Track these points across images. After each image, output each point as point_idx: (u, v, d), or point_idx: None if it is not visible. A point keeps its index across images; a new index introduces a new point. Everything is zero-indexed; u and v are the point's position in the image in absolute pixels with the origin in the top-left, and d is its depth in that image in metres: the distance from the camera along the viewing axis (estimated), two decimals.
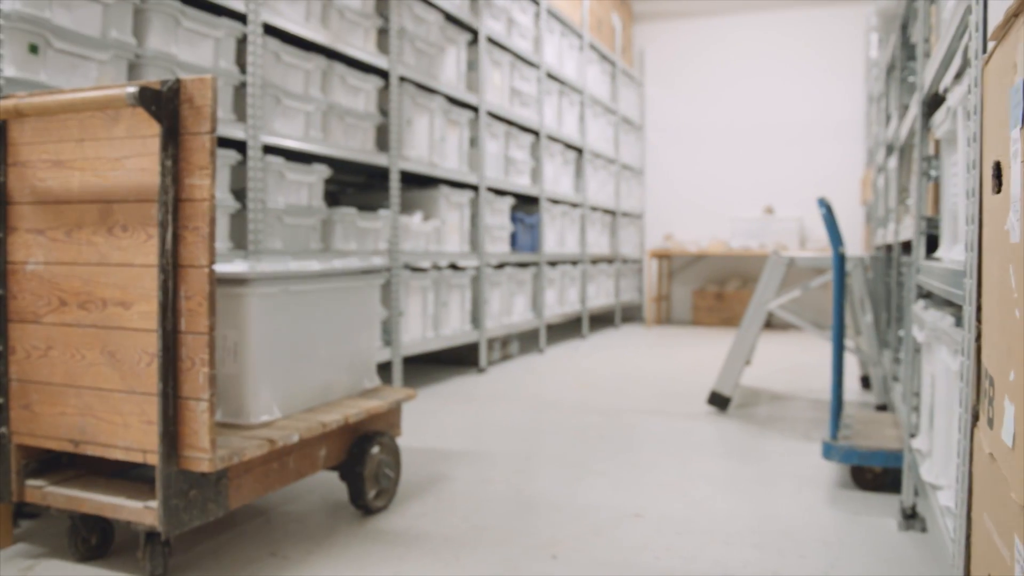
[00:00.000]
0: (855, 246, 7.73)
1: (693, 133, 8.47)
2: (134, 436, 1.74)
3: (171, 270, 1.65)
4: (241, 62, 3.05)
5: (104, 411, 1.78)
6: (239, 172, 3.06)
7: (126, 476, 2.00)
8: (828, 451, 2.54)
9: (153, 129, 1.68)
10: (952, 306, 1.99)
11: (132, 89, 1.57)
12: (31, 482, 1.89)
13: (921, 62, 2.20)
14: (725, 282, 8.17)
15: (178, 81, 1.64)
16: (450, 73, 4.58)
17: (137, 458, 1.75)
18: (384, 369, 3.97)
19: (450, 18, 4.54)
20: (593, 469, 2.77)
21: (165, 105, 1.62)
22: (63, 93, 1.70)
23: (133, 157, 1.73)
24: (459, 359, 5.08)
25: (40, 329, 1.85)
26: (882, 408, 3.58)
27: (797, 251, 7.40)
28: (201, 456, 1.67)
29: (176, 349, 1.67)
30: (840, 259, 2.63)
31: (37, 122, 1.84)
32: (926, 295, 2.23)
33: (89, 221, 1.78)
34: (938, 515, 1.51)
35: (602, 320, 8.07)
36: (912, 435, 2.18)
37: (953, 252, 1.75)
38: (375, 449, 2.27)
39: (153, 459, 1.72)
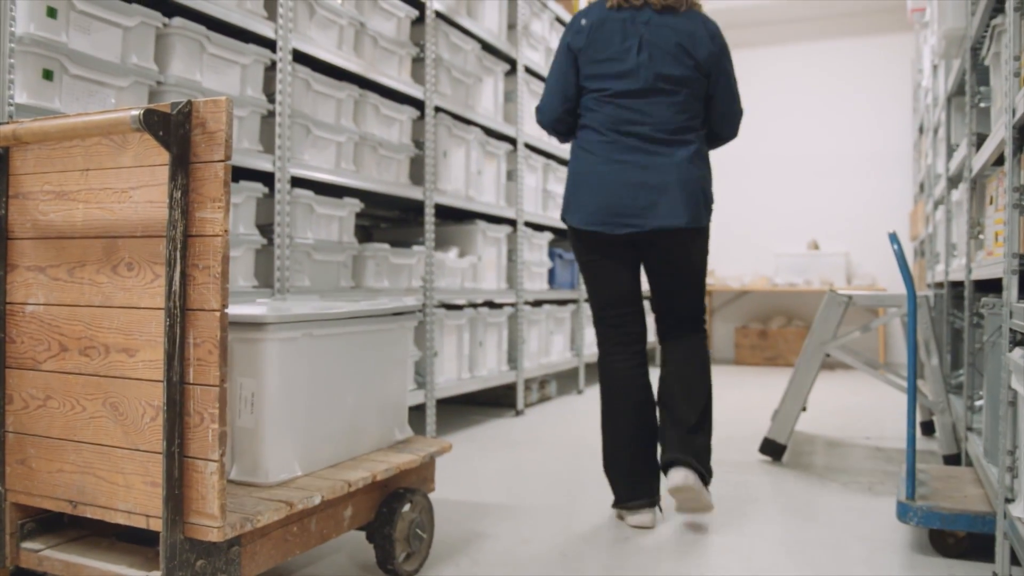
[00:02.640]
0: None
1: (734, 166, 8.23)
2: (136, 498, 1.56)
3: (178, 314, 1.47)
4: (269, 91, 2.91)
5: (105, 469, 1.60)
6: (266, 206, 2.90)
7: (135, 538, 1.81)
8: (904, 512, 2.29)
9: (163, 157, 1.52)
10: None
11: (136, 112, 1.40)
12: (27, 545, 1.71)
13: (1011, 83, 1.99)
14: (769, 319, 7.89)
15: (189, 104, 1.48)
16: (487, 104, 4.42)
17: (140, 523, 1.56)
18: (417, 412, 3.77)
19: (487, 47, 4.40)
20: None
21: (174, 130, 1.46)
22: (65, 118, 1.54)
23: (141, 188, 1.56)
24: (495, 400, 4.88)
25: (39, 377, 1.68)
26: (951, 460, 3.31)
27: (845, 287, 7.13)
28: (209, 524, 1.48)
29: (183, 403, 1.49)
30: (914, 298, 2.40)
31: (40, 150, 1.69)
32: (1020, 341, 2.00)
33: (93, 258, 1.62)
34: None
35: None
36: (1009, 499, 1.93)
37: None
38: (406, 508, 2.07)
39: (157, 525, 1.53)
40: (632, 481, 2.56)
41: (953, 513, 2.22)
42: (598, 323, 2.68)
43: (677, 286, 2.64)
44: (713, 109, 2.64)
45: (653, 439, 2.61)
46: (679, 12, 2.57)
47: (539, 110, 2.73)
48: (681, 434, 2.54)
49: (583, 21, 2.61)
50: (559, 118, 2.65)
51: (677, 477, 2.46)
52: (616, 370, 2.62)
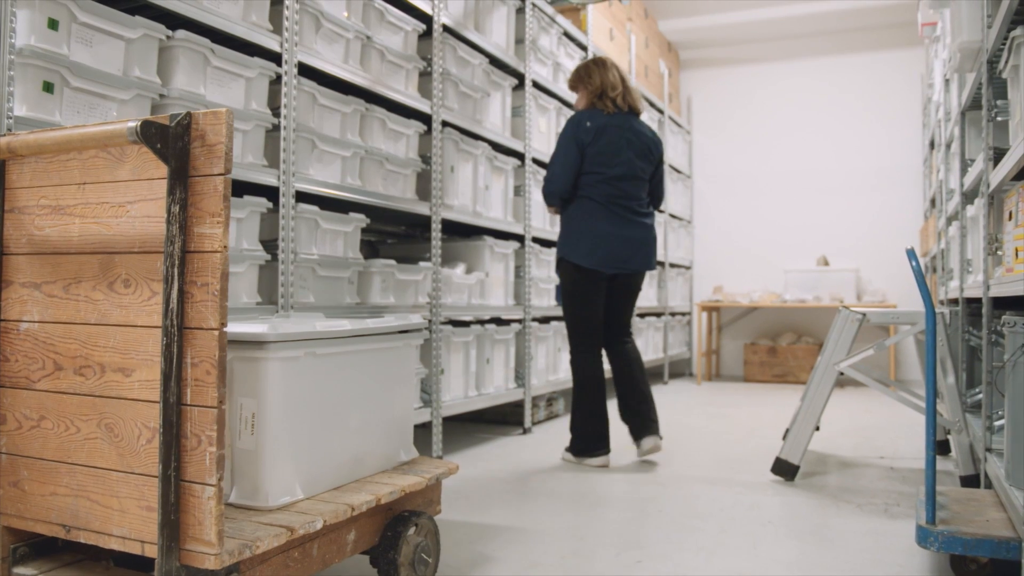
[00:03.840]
0: (916, 299, 7.36)
1: (743, 182, 8.21)
2: (131, 523, 1.51)
3: (176, 332, 1.42)
4: (274, 104, 2.87)
5: (99, 493, 1.54)
6: (270, 221, 2.86)
7: (132, 562, 1.76)
8: (925, 537, 2.22)
9: (161, 170, 1.47)
10: None
11: (133, 124, 1.36)
12: (19, 570, 1.66)
13: None
14: (778, 336, 7.82)
15: (188, 116, 1.43)
16: (495, 118, 4.38)
17: (135, 549, 1.51)
18: (423, 430, 3.72)
19: (495, 61, 4.37)
20: (654, 551, 2.48)
21: (173, 143, 1.41)
22: (61, 130, 1.50)
23: (138, 202, 1.52)
24: (502, 418, 4.81)
25: (33, 396, 1.63)
26: (969, 481, 3.24)
27: (855, 304, 7.06)
28: (206, 551, 1.42)
29: (180, 424, 1.44)
30: (934, 316, 2.34)
31: (37, 163, 1.65)
32: None
33: (89, 275, 1.57)
34: None
35: (651, 375, 7.71)
36: None
37: None
38: (411, 531, 2.01)
39: (152, 551, 1.47)
40: (599, 438, 3.78)
41: (976, 538, 2.15)
42: (580, 334, 3.83)
43: (630, 306, 3.98)
44: (656, 189, 3.96)
45: (606, 409, 3.84)
46: (639, 116, 3.92)
47: (551, 182, 3.78)
48: (646, 414, 3.83)
49: (588, 123, 3.75)
50: (566, 189, 3.77)
51: (651, 442, 3.80)
52: (593, 366, 3.82)
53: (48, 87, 2.10)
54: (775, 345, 7.61)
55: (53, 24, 2.12)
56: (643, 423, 3.83)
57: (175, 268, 1.42)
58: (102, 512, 1.54)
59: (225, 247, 1.42)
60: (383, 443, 2.14)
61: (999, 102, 2.89)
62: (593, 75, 3.85)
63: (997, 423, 2.88)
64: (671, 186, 7.61)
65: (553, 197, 3.80)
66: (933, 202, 6.08)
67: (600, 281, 3.76)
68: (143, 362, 1.49)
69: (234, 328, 1.77)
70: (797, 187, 7.99)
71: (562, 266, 3.80)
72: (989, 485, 2.88)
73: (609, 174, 3.71)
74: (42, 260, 1.63)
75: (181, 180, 1.43)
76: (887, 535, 2.66)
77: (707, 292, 8.23)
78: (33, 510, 1.63)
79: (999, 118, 2.88)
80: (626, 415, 3.88)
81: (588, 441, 3.78)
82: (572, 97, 5.32)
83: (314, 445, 1.88)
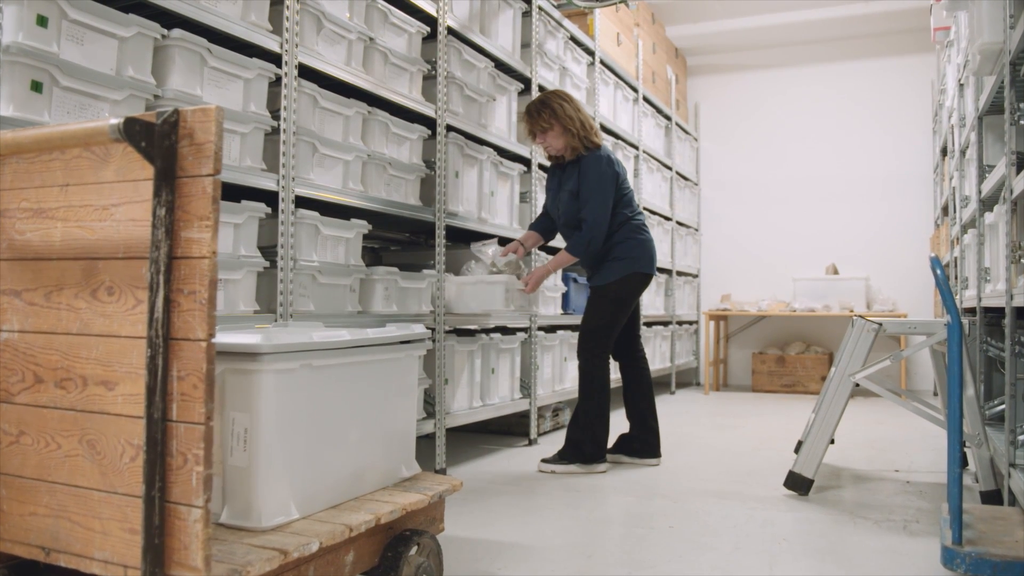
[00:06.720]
0: (926, 308, 7.25)
1: (751, 189, 8.11)
2: (114, 546, 1.41)
3: (161, 344, 1.33)
4: (274, 107, 2.79)
5: (80, 514, 1.45)
6: (269, 226, 2.77)
7: None
8: (951, 558, 2.12)
9: (147, 171, 1.39)
10: None
11: (116, 121, 1.27)
12: None
13: None
14: (787, 345, 7.70)
15: (176, 113, 1.34)
16: (500, 123, 4.30)
17: (117, 574, 1.41)
18: (426, 441, 3.63)
19: (501, 65, 4.28)
20: (665, 571, 2.38)
21: (159, 141, 1.32)
22: (40, 128, 1.41)
23: (123, 205, 1.43)
24: (507, 429, 4.72)
25: (12, 410, 1.54)
26: (990, 496, 3.13)
27: (865, 313, 6.95)
28: None
29: (165, 442, 1.34)
30: (959, 327, 2.24)
31: (18, 164, 1.56)
32: None
33: (71, 281, 1.48)
34: None
35: (657, 385, 7.56)
36: None
37: None
38: (412, 551, 1.91)
39: None
40: (605, 445, 3.84)
41: (1006, 560, 2.05)
42: (607, 338, 3.85)
43: (639, 311, 4.21)
44: None
45: None
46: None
47: (601, 225, 3.77)
48: (658, 433, 4.05)
49: (611, 157, 3.88)
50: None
51: (654, 463, 3.99)
52: (609, 372, 3.85)
53: (36, 86, 2.02)
54: (784, 354, 7.50)
55: (42, 21, 2.04)
56: (657, 442, 4.03)
57: (160, 275, 1.33)
58: (83, 534, 1.45)
59: (214, 253, 1.33)
60: (383, 458, 2.04)
61: (1022, 105, 2.79)
62: (567, 110, 3.79)
63: (1022, 437, 2.78)
64: (678, 192, 7.52)
65: (605, 234, 3.81)
66: (945, 210, 5.98)
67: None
68: (127, 375, 1.40)
69: (226, 338, 1.68)
70: (806, 195, 7.89)
71: (627, 281, 3.85)
72: (1013, 502, 2.78)
73: (631, 194, 3.99)
74: (23, 266, 1.55)
75: (167, 181, 1.34)
76: (907, 554, 2.56)
77: (714, 301, 8.12)
78: (11, 531, 1.54)
79: (1022, 122, 2.78)
80: (642, 430, 4.02)
81: (600, 447, 3.81)
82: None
83: (310, 462, 1.78)
